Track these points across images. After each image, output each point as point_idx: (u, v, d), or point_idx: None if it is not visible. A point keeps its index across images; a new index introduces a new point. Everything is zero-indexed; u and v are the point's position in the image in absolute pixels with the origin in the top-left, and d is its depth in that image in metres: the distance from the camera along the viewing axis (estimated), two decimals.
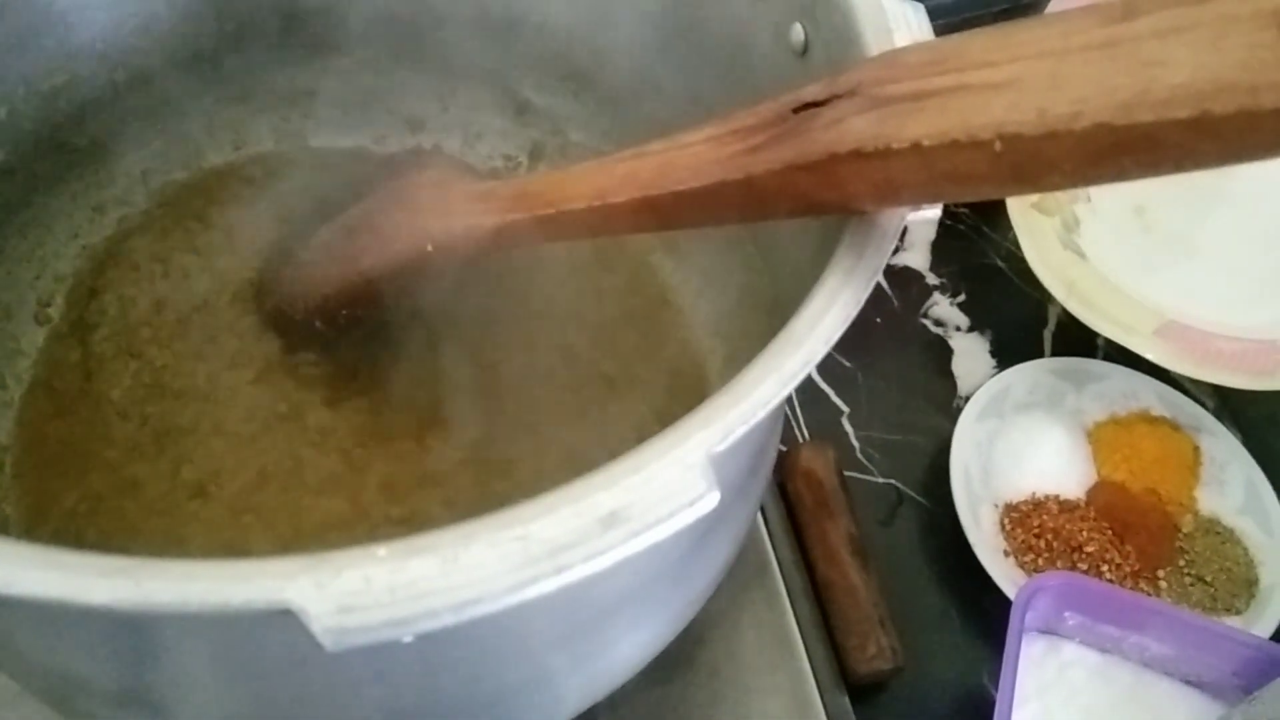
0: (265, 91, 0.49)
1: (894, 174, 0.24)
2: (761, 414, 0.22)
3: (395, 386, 0.43)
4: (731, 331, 0.46)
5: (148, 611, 0.19)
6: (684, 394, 0.46)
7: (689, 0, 0.40)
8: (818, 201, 0.27)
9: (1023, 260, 0.59)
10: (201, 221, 0.47)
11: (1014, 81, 0.22)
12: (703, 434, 0.22)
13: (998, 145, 0.22)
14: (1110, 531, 0.54)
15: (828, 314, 0.24)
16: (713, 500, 0.21)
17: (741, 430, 0.22)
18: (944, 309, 0.65)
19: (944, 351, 0.63)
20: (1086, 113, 0.21)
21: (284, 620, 0.19)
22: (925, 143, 0.23)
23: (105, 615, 0.20)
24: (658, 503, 0.21)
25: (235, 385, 0.43)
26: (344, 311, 0.42)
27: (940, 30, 0.31)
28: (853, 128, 0.25)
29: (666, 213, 0.30)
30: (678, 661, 0.46)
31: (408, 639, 0.19)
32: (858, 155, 0.25)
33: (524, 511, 0.21)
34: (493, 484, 0.43)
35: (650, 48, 0.44)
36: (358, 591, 0.19)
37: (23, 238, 0.44)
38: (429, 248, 0.38)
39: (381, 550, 0.20)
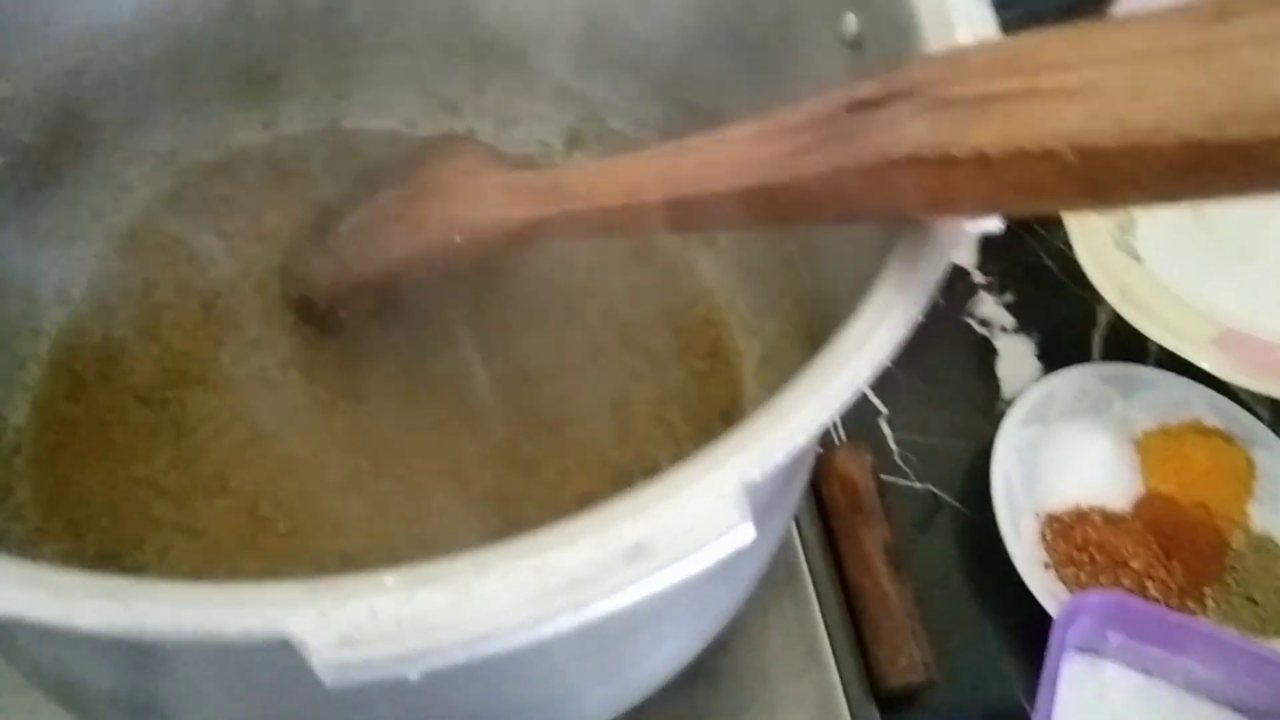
0: (297, 71, 0.48)
1: (954, 183, 0.23)
2: (801, 440, 0.21)
3: (419, 380, 0.42)
4: (768, 332, 0.44)
5: (138, 637, 0.18)
6: (716, 396, 0.44)
7: None
8: (869, 209, 0.25)
9: (1073, 260, 0.57)
10: (228, 204, 0.46)
11: (1091, 88, 0.21)
12: (738, 460, 0.20)
13: (1071, 157, 0.20)
14: (1156, 546, 0.52)
15: (876, 332, 0.23)
16: (747, 534, 0.20)
17: (780, 457, 0.20)
18: (990, 308, 0.63)
19: (988, 352, 0.61)
20: (1172, 125, 0.19)
21: (283, 649, 0.18)
22: (990, 151, 0.21)
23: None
24: (686, 535, 0.19)
25: (257, 374, 0.42)
26: (369, 301, 0.41)
27: (1001, 27, 0.29)
28: (910, 131, 0.23)
29: (705, 214, 0.29)
30: (701, 668, 0.44)
31: (414, 676, 0.18)
32: (915, 161, 0.23)
33: (542, 540, 0.19)
34: (516, 482, 0.41)
35: (694, 33, 0.42)
36: (362, 623, 0.18)
37: (48, 215, 0.43)
38: (457, 239, 0.36)
39: (389, 578, 0.19)
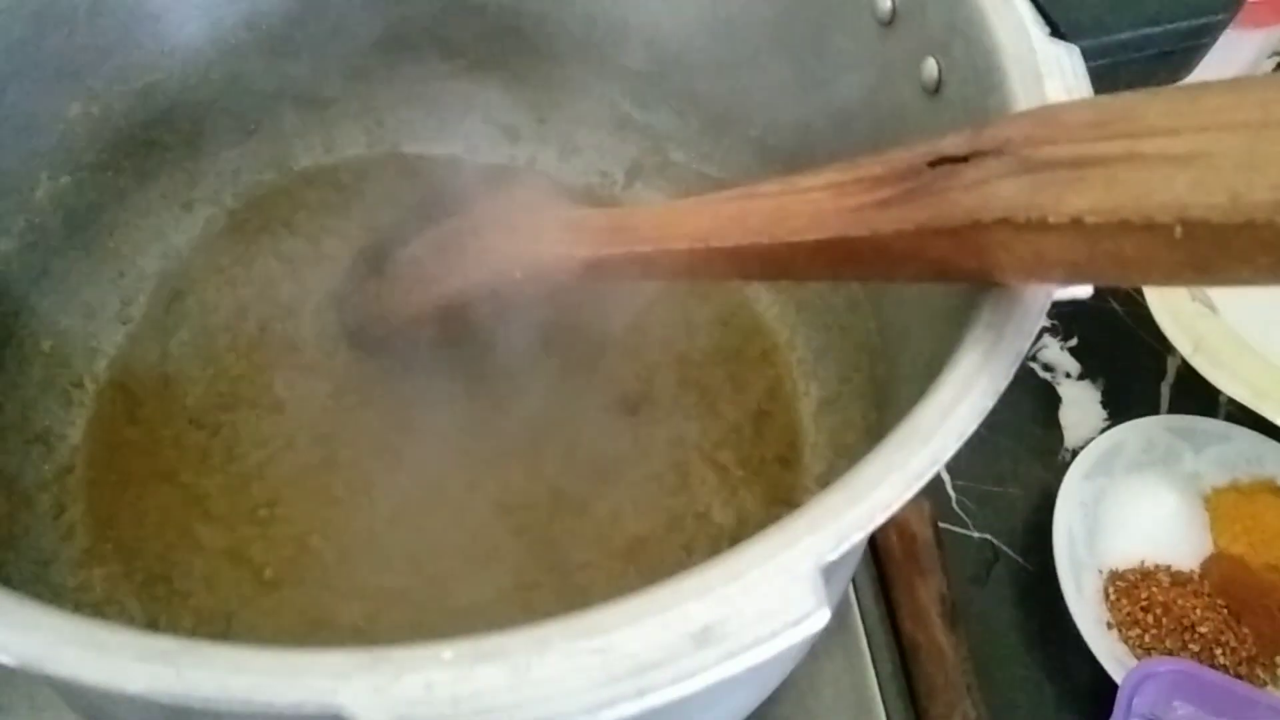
0: (361, 94, 0.47)
1: (1047, 250, 0.21)
2: (880, 520, 0.20)
3: (471, 412, 0.42)
4: (828, 376, 0.43)
5: (187, 704, 0.17)
6: (772, 439, 0.43)
7: (811, 19, 0.38)
8: (953, 270, 0.24)
9: (1143, 305, 0.55)
10: (288, 227, 0.45)
11: (1200, 156, 0.19)
12: (812, 540, 0.19)
13: (1178, 231, 0.19)
14: (1225, 610, 0.50)
15: (961, 404, 0.21)
16: (821, 620, 0.19)
17: (857, 538, 0.19)
18: (1054, 353, 0.61)
19: (1051, 399, 0.59)
20: None
21: None
22: (1088, 220, 0.20)
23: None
24: (758, 620, 0.18)
25: (311, 400, 0.42)
26: (425, 331, 0.40)
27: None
28: (1001, 192, 0.22)
29: (776, 264, 0.28)
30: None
31: None
32: (1006, 225, 0.22)
33: (605, 618, 0.18)
34: (566, 521, 0.41)
35: (765, 69, 0.41)
36: (418, 700, 0.17)
37: (109, 234, 0.43)
38: (517, 275, 0.36)
39: (447, 652, 0.18)
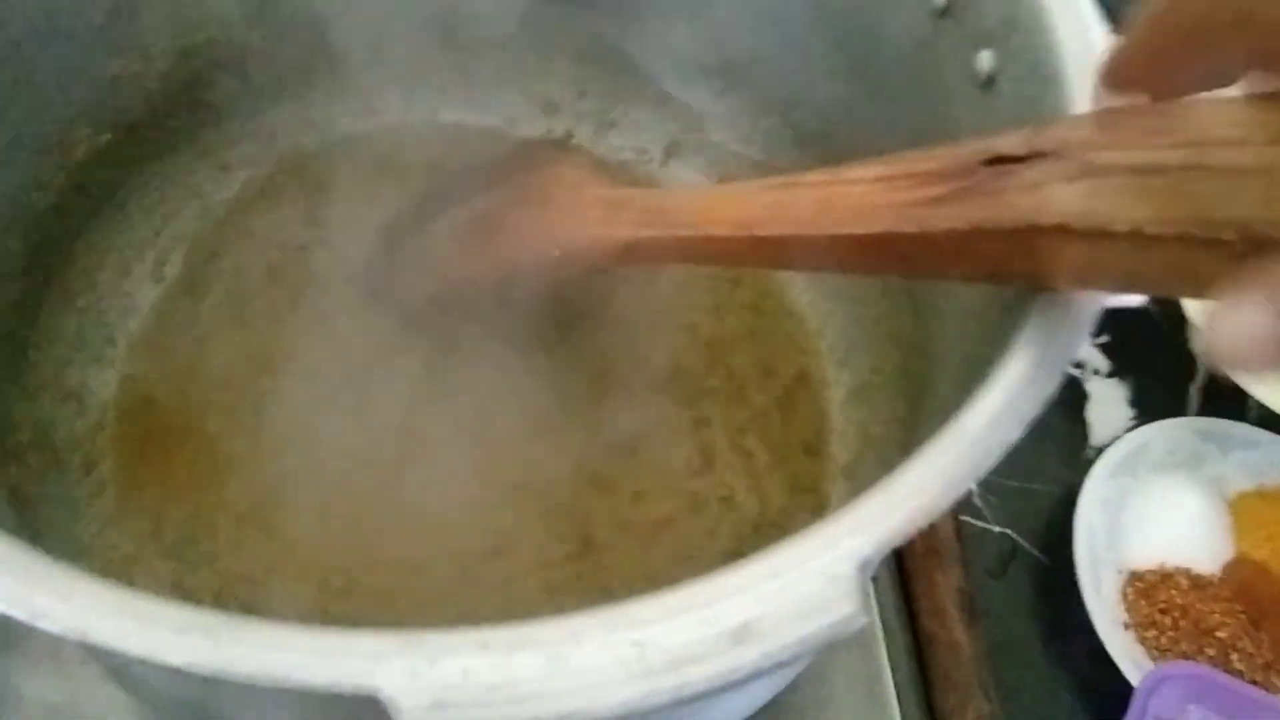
0: (401, 60, 0.47)
1: (1103, 258, 0.21)
2: (922, 524, 0.19)
3: (500, 387, 0.41)
4: (860, 365, 0.43)
5: (225, 679, 0.17)
6: (799, 426, 0.43)
7: (862, 7, 0.37)
8: (1004, 272, 0.24)
9: (1176, 305, 0.54)
10: (324, 191, 0.45)
11: (1268, 170, 0.19)
12: (853, 543, 0.19)
13: (1240, 246, 0.19)
14: (1244, 616, 0.50)
15: (1007, 411, 0.21)
16: (858, 620, 0.18)
17: (897, 542, 0.19)
18: (1083, 349, 0.61)
19: (1078, 395, 0.59)
20: None
21: (370, 705, 0.18)
22: (1149, 230, 0.20)
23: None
24: (796, 618, 0.18)
25: (341, 368, 0.41)
26: (458, 304, 0.40)
27: None
28: (1058, 197, 0.22)
29: (820, 255, 0.27)
30: (761, 708, 0.44)
31: None
32: (1063, 231, 0.21)
33: (642, 611, 0.18)
34: (591, 499, 0.41)
35: (811, 53, 0.40)
36: (454, 685, 0.17)
37: (146, 193, 0.43)
38: (555, 253, 0.35)
39: (483, 636, 0.18)
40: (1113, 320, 0.60)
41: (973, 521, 0.54)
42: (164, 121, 0.42)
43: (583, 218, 0.35)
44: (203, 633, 0.18)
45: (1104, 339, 0.61)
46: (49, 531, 0.36)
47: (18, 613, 0.18)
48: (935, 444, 0.21)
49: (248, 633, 0.18)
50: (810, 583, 0.19)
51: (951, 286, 0.35)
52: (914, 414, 0.39)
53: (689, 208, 0.32)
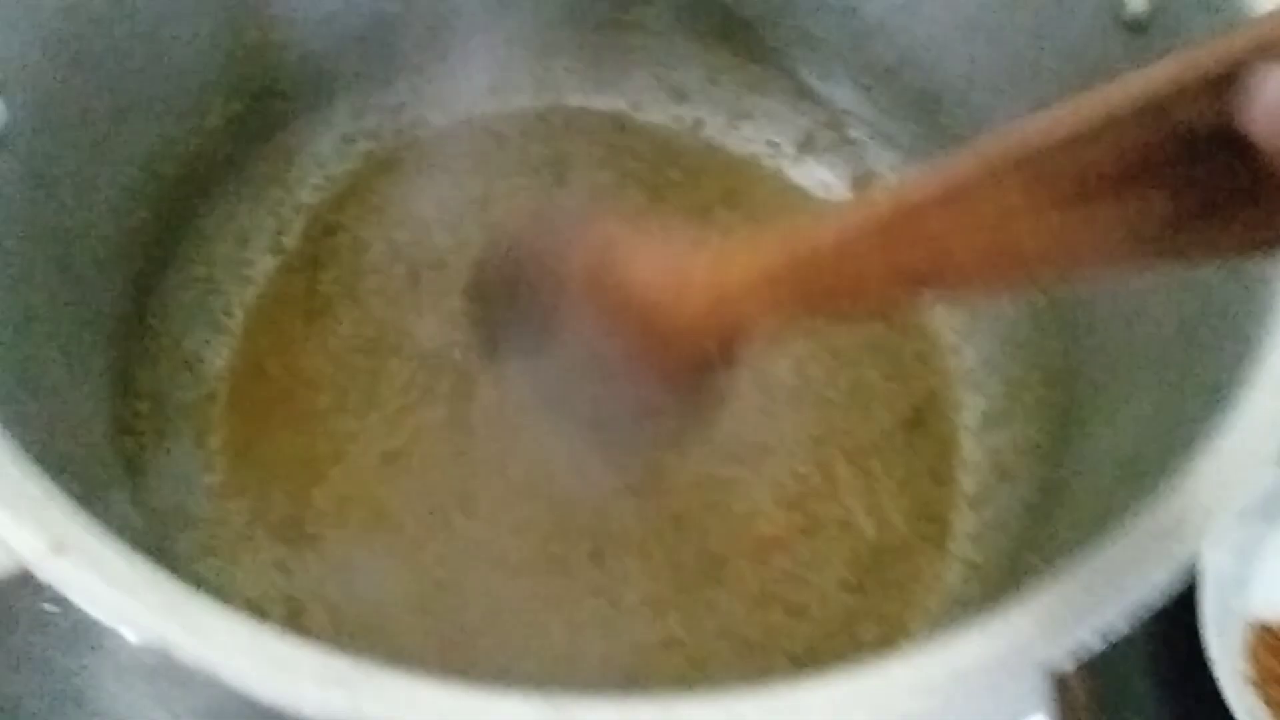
0: (529, 39, 0.46)
1: None
2: (1125, 624, 0.17)
3: None
4: (995, 390, 0.41)
5: None
6: (925, 451, 0.41)
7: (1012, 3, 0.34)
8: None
9: None
10: (448, 172, 0.44)
11: None
12: (1041, 643, 0.17)
13: None
14: None
15: (1246, 466, 0.18)
16: None
17: (1097, 645, 0.17)
18: None
19: None
20: None
21: None
22: None
23: None
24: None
25: (454, 354, 0.40)
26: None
27: None
28: None
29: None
30: None
31: None
32: None
33: (808, 699, 0.17)
34: (700, 511, 0.39)
35: (971, 55, 0.38)
36: None
37: (269, 162, 0.43)
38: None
39: (642, 710, 0.17)
40: None
41: None
42: (290, 90, 0.41)
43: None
44: (340, 684, 0.16)
45: None
46: (161, 501, 0.36)
47: (153, 642, 0.17)
48: (1150, 513, 0.18)
49: (386, 688, 0.17)
50: (989, 678, 0.17)
51: (1106, 302, 0.33)
52: (1055, 448, 0.36)
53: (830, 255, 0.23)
